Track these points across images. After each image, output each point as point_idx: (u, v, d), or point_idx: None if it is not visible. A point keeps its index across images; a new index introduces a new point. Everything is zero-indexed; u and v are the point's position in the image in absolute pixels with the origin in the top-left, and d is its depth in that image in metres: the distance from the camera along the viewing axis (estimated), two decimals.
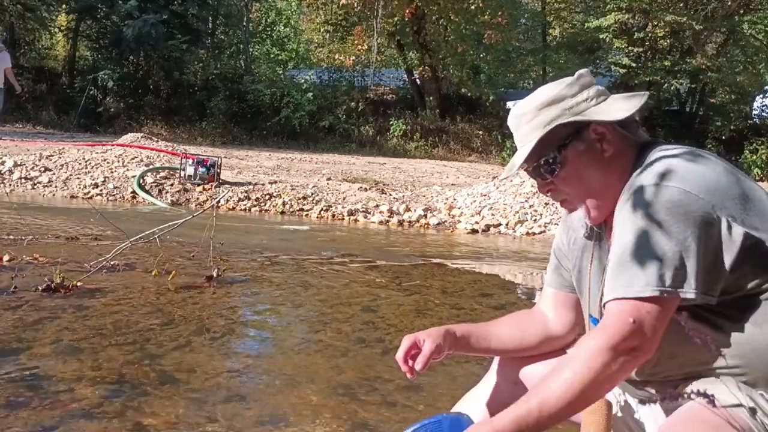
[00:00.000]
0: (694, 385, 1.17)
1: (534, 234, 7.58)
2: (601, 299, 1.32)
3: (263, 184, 8.89)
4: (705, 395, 1.13)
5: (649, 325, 1.08)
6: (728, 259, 1.10)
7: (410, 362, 1.38)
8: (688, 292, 1.07)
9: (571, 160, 1.26)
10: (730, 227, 1.09)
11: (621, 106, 1.26)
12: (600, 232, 1.34)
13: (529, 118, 1.29)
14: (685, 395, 1.17)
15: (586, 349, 1.11)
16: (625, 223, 1.13)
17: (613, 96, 1.30)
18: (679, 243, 1.07)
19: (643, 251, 1.09)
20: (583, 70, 1.32)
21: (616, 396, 1.36)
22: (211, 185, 8.49)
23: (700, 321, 1.14)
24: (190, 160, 8.71)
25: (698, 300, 1.08)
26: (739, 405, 1.09)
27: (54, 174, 8.56)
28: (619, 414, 1.35)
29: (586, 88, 1.29)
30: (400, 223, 7.93)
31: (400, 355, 1.38)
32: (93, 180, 8.48)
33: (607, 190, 1.26)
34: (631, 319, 1.08)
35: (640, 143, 1.28)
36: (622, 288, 1.10)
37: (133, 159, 9.30)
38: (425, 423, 1.24)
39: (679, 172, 1.12)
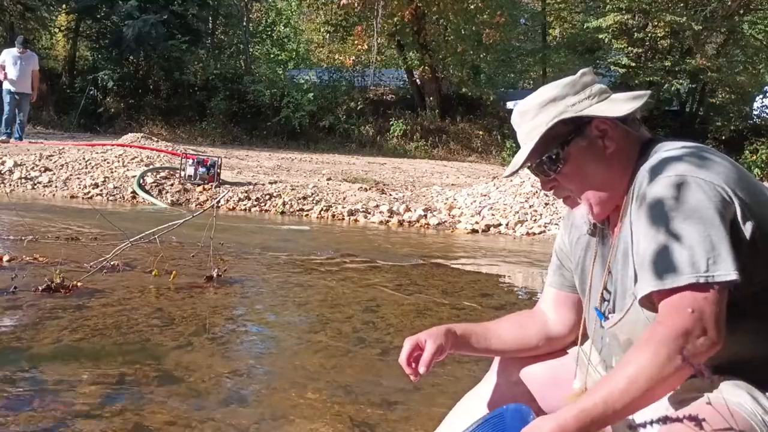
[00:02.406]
0: (694, 383, 1.17)
1: (534, 234, 7.58)
2: (602, 293, 1.32)
3: (263, 184, 8.89)
4: (703, 396, 1.12)
5: (710, 313, 1.06)
6: (744, 245, 1.09)
7: (413, 364, 1.37)
8: (731, 274, 1.05)
9: (574, 157, 1.27)
10: (744, 216, 1.10)
11: (623, 104, 1.27)
12: (603, 228, 1.35)
13: (531, 115, 1.30)
14: (685, 393, 1.17)
15: (649, 342, 1.09)
16: (647, 222, 1.12)
17: (615, 94, 1.30)
18: (706, 229, 1.07)
19: (672, 242, 1.08)
20: (585, 69, 1.33)
21: None
22: (211, 185, 8.49)
23: None
24: (190, 160, 8.71)
25: (738, 281, 1.07)
26: (741, 405, 1.09)
27: (54, 174, 8.56)
28: None
29: (588, 86, 1.29)
30: (400, 223, 7.93)
31: (403, 358, 1.38)
32: (93, 180, 8.48)
33: (610, 186, 1.27)
34: (690, 309, 1.06)
35: (643, 140, 1.29)
36: (665, 279, 1.08)
37: (133, 159, 9.30)
38: (488, 418, 1.23)
39: (689, 165, 1.12)
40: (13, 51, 11.05)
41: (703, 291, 1.06)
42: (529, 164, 1.31)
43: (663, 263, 1.09)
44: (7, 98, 11.02)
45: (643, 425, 1.21)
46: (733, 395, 1.10)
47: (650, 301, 1.13)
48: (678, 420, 1.06)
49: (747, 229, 1.10)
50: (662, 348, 1.07)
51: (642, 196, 1.15)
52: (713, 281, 1.06)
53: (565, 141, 1.27)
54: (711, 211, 1.07)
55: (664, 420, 1.08)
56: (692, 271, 1.06)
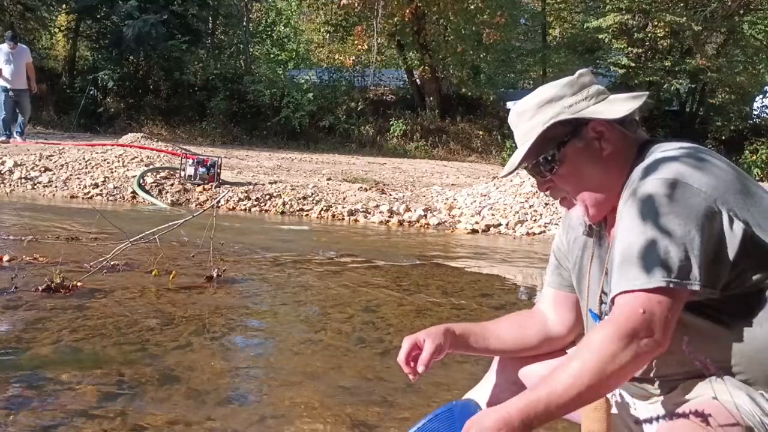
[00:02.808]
0: (694, 384, 1.17)
1: (534, 234, 7.58)
2: (601, 296, 1.33)
3: (263, 184, 8.89)
4: (705, 395, 1.13)
5: (660, 316, 1.07)
6: (730, 254, 1.10)
7: (412, 364, 1.38)
8: (694, 284, 1.07)
9: (570, 158, 1.27)
10: (731, 221, 1.10)
11: (620, 105, 1.27)
12: (599, 230, 1.35)
13: (528, 116, 1.30)
14: (685, 394, 1.17)
15: (595, 339, 1.10)
16: (629, 219, 1.13)
17: (612, 95, 1.30)
18: (683, 236, 1.07)
19: (648, 246, 1.09)
20: (583, 70, 1.33)
21: (613, 393, 1.35)
22: (211, 185, 8.49)
23: (702, 318, 1.15)
24: (190, 160, 8.71)
25: (702, 293, 1.08)
26: (739, 405, 1.09)
27: (54, 174, 8.56)
28: (615, 411, 1.34)
29: (586, 87, 1.29)
30: (400, 223, 7.93)
31: (401, 357, 1.38)
32: (93, 180, 8.48)
33: (606, 188, 1.27)
34: (641, 309, 1.07)
35: (640, 142, 1.29)
36: (629, 281, 1.10)
37: (133, 159, 9.30)
38: (437, 413, 1.24)
39: (681, 167, 1.13)
40: (4, 48, 10.57)
41: (660, 294, 1.08)
42: (525, 165, 1.31)
43: (637, 264, 1.10)
44: (2, 97, 10.55)
45: (649, 421, 1.21)
46: (731, 396, 1.10)
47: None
48: (684, 416, 1.06)
49: (736, 233, 1.10)
50: (608, 345, 1.08)
51: (631, 194, 1.15)
52: (677, 287, 1.07)
53: (561, 142, 1.27)
54: (692, 218, 1.08)
55: (670, 416, 1.09)
56: (662, 275, 1.07)
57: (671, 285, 1.07)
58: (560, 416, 1.13)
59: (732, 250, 1.10)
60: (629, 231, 1.12)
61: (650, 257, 1.08)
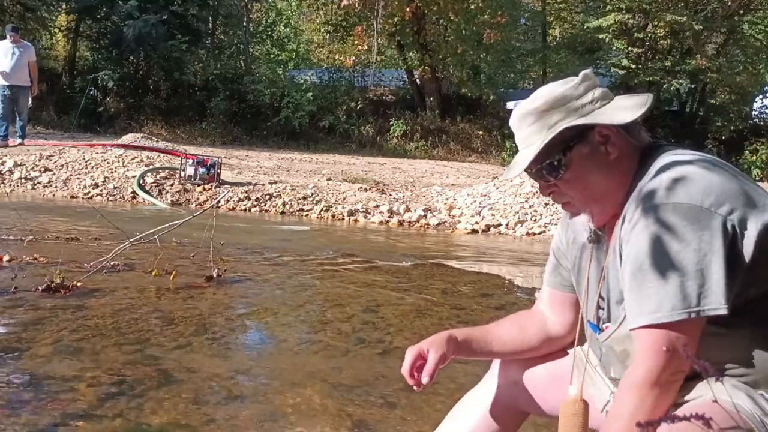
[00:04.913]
0: (694, 385, 1.17)
1: (534, 234, 7.58)
2: (598, 301, 1.32)
3: (263, 185, 8.89)
4: (705, 396, 1.12)
5: (683, 348, 1.08)
6: (742, 266, 1.09)
7: (416, 374, 1.37)
8: (719, 309, 1.06)
9: (576, 163, 1.24)
10: (742, 234, 1.09)
11: (627, 111, 1.23)
12: (600, 233, 1.33)
13: (532, 119, 1.26)
14: (685, 396, 1.17)
15: (631, 393, 1.12)
16: (640, 241, 1.11)
17: (617, 98, 1.27)
18: (699, 261, 1.06)
19: (664, 272, 1.08)
20: (587, 71, 1.29)
21: (607, 396, 1.35)
22: (211, 185, 8.49)
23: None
24: (190, 161, 8.71)
25: (726, 314, 1.08)
26: (739, 406, 1.09)
27: (54, 174, 8.56)
28: None
29: (591, 89, 1.26)
30: (400, 223, 7.93)
31: (405, 368, 1.37)
32: (93, 180, 8.48)
33: (611, 192, 1.24)
34: (664, 347, 1.08)
35: (644, 145, 1.27)
36: (649, 315, 1.09)
37: (133, 159, 9.30)
38: None
39: (690, 184, 1.10)
40: (6, 42, 9.94)
41: (683, 325, 1.08)
42: (529, 169, 1.28)
43: (653, 295, 1.09)
44: None
45: (650, 424, 1.21)
46: (731, 397, 1.10)
47: None
48: (684, 418, 1.06)
49: (747, 242, 1.09)
50: (646, 396, 1.10)
51: (638, 216, 1.13)
52: (703, 315, 1.07)
53: (567, 147, 1.24)
54: (705, 237, 1.07)
55: (671, 419, 1.09)
56: (683, 306, 1.07)
57: (692, 315, 1.07)
58: None
59: (743, 262, 1.09)
60: (641, 257, 1.11)
61: (667, 286, 1.08)
